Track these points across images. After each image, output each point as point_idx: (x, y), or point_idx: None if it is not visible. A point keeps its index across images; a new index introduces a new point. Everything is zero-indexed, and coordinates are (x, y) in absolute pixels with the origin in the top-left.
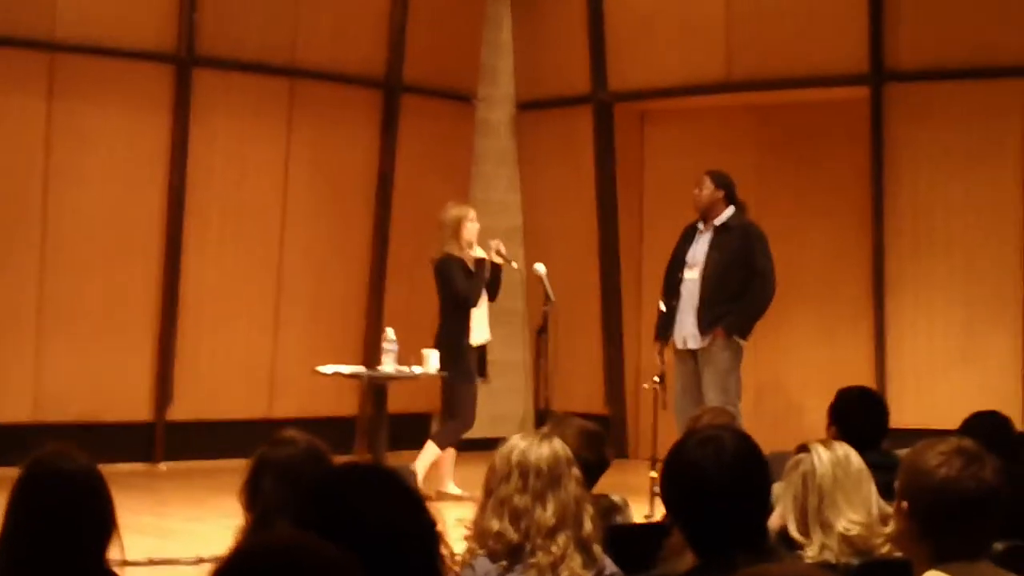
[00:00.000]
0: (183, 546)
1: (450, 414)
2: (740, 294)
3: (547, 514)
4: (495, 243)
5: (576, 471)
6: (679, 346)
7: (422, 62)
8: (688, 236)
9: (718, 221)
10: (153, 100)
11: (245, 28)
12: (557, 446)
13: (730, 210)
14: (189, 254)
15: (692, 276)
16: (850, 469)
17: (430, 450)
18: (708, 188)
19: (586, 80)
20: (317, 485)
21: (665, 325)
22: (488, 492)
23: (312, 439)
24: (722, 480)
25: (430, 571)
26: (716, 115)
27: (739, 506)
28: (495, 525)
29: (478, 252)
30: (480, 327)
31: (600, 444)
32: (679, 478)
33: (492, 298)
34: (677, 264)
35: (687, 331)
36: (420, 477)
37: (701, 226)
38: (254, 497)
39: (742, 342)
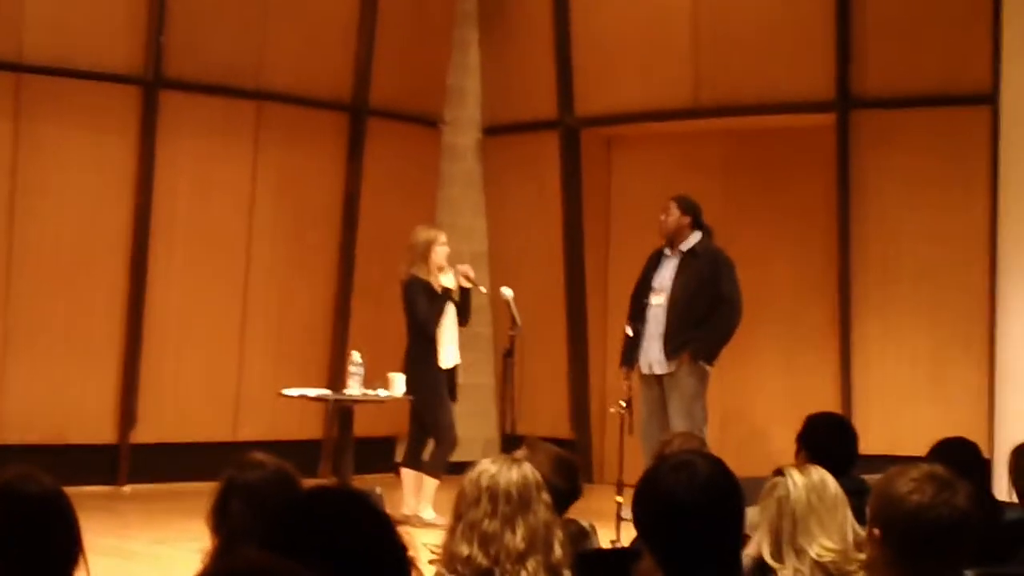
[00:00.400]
0: (147, 569)
1: (437, 439)
2: (706, 320)
3: (517, 539)
4: (463, 267)
5: (546, 496)
6: (645, 371)
7: (389, 85)
8: (654, 261)
9: (684, 246)
10: (120, 121)
11: (212, 50)
12: (527, 470)
13: (696, 235)
14: (154, 275)
15: (659, 301)
16: (825, 494)
17: (429, 484)
18: (674, 214)
19: (553, 105)
20: (287, 508)
21: (631, 350)
22: (457, 516)
23: (280, 462)
24: (696, 505)
25: None
26: (683, 141)
27: (713, 531)
28: (464, 550)
29: (447, 279)
30: (450, 350)
31: (572, 472)
32: (653, 503)
33: (463, 323)
34: (643, 289)
35: (653, 356)
36: (432, 517)
37: (668, 251)
38: (221, 520)
39: (708, 368)
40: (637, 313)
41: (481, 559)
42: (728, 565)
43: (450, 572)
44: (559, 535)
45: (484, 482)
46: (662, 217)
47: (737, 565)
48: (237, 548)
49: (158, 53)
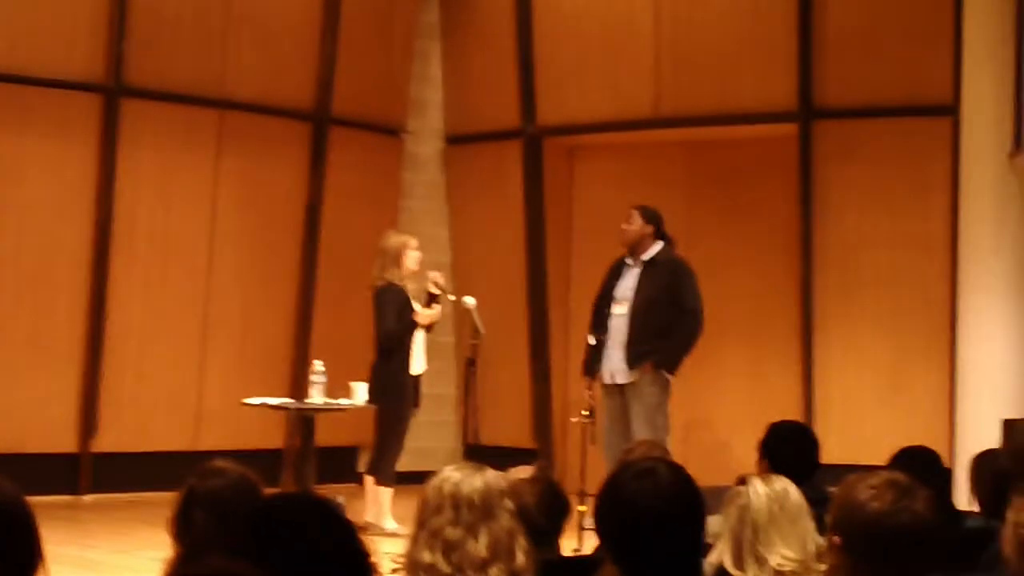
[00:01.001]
0: None
1: (382, 447)
2: (668, 330)
3: (479, 546)
4: (433, 275)
5: (508, 503)
6: (607, 381)
7: (351, 95)
8: (616, 271)
9: (646, 256)
10: (80, 129)
11: (174, 58)
12: (490, 477)
13: (658, 245)
14: (115, 284)
15: (620, 311)
16: (787, 504)
17: (385, 494)
18: (637, 223)
19: (515, 115)
20: (250, 515)
21: (594, 359)
22: (420, 524)
23: (243, 470)
24: (658, 512)
25: None
26: (645, 151)
27: (674, 538)
28: (427, 557)
29: (408, 283)
30: (417, 357)
31: (555, 511)
32: (615, 511)
33: (429, 329)
34: (605, 299)
35: (615, 366)
36: (394, 527)
37: (629, 260)
38: (183, 528)
39: (670, 377)
40: (599, 322)
41: (444, 566)
42: (689, 572)
43: None
44: (522, 542)
45: (447, 489)
46: (624, 226)
47: (698, 572)
48: (199, 556)
49: (119, 60)
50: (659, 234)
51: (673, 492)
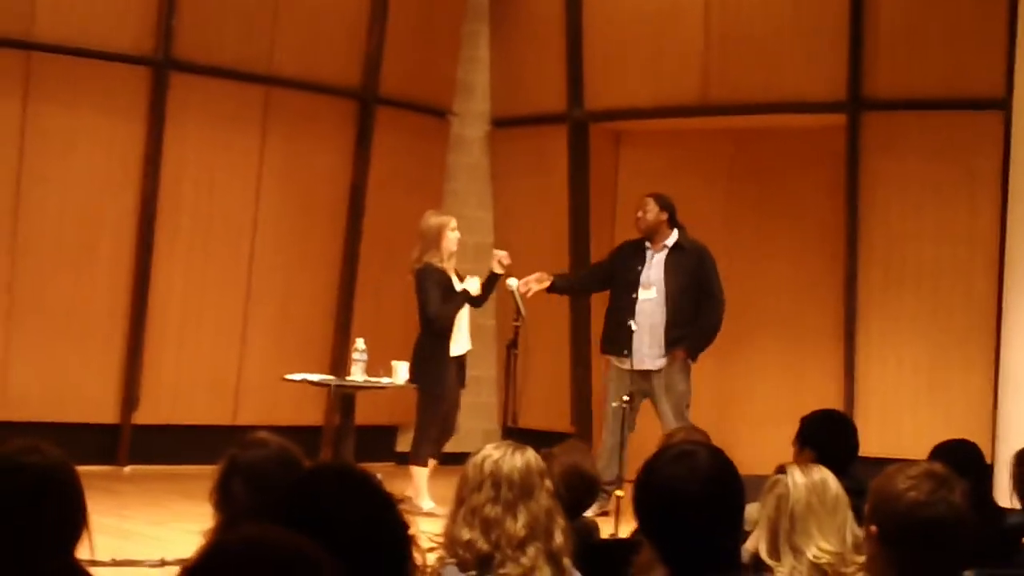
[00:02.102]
0: (144, 549)
1: (416, 429)
2: (695, 316)
3: (518, 525)
4: (500, 253)
5: (548, 483)
6: (635, 366)
7: (398, 75)
8: (629, 254)
9: (668, 242)
10: (128, 103)
11: (223, 34)
12: (530, 457)
13: (675, 232)
14: (159, 259)
15: (649, 296)
16: (826, 496)
17: (419, 473)
18: (652, 210)
19: (562, 99)
20: (289, 486)
21: (622, 343)
22: (459, 501)
23: (284, 442)
24: (696, 496)
25: (402, 573)
26: (691, 138)
27: (713, 523)
28: (465, 534)
29: (471, 283)
30: (461, 337)
31: (583, 488)
32: (652, 493)
33: (478, 305)
34: (630, 284)
35: (644, 351)
36: (431, 506)
37: (649, 246)
38: (223, 499)
39: (692, 364)
40: (628, 307)
41: (482, 544)
42: (727, 558)
43: (451, 556)
44: (560, 523)
45: (487, 467)
46: (639, 214)
47: (736, 558)
48: (238, 525)
49: (168, 35)
50: (673, 221)
51: (711, 476)
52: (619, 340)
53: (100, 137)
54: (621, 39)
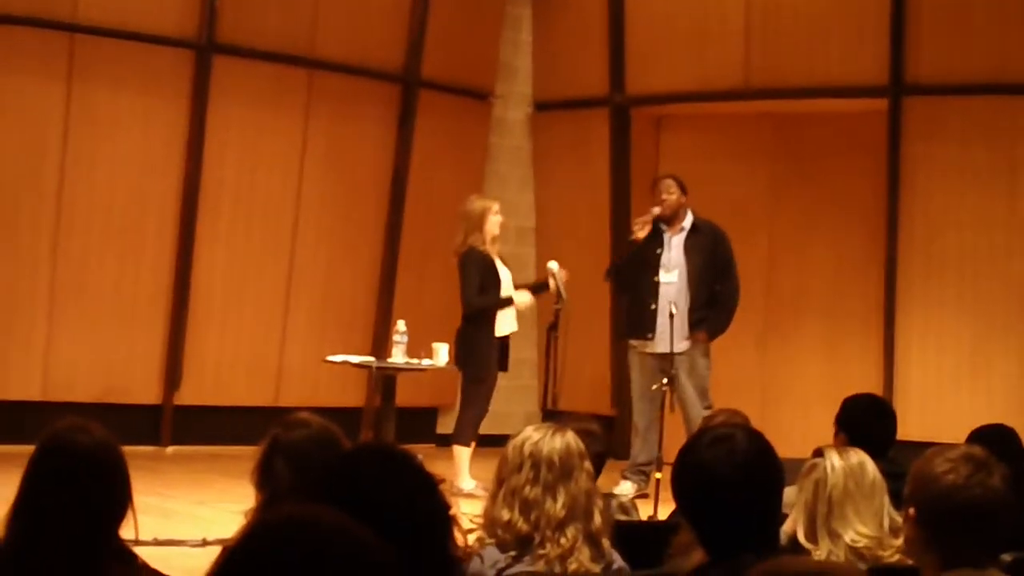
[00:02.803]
0: (186, 528)
1: (462, 407)
2: (714, 297)
3: (557, 506)
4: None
5: (588, 465)
6: (657, 350)
7: (441, 58)
8: (648, 237)
9: (685, 224)
10: (172, 85)
11: (265, 16)
12: (570, 439)
13: (690, 214)
14: (201, 240)
15: (670, 279)
16: (863, 480)
17: (462, 453)
18: (676, 192)
19: (604, 83)
20: (331, 465)
21: (645, 326)
22: (499, 482)
23: (326, 423)
24: (734, 479)
25: (443, 553)
26: (732, 122)
27: (750, 505)
28: (505, 515)
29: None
30: (507, 318)
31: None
32: (691, 475)
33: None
34: (651, 268)
35: (666, 335)
36: (471, 486)
37: (665, 228)
38: (265, 478)
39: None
40: (651, 290)
41: (522, 525)
42: (766, 540)
43: (491, 536)
44: (599, 504)
45: (527, 449)
46: (663, 196)
47: (775, 541)
48: (280, 503)
49: (212, 17)
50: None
51: (749, 459)
52: (643, 324)
53: (143, 120)
54: (663, 23)
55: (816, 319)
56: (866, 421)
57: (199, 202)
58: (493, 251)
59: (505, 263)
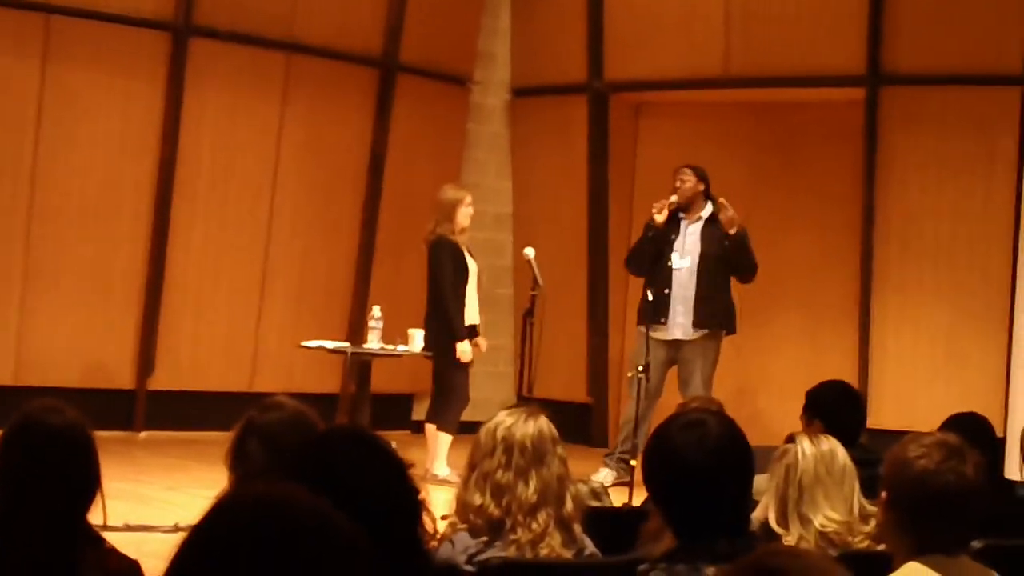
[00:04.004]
0: (159, 514)
1: (445, 396)
2: (728, 287)
3: (529, 491)
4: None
5: (561, 450)
6: (667, 336)
7: (420, 43)
8: (669, 222)
9: (704, 213)
10: (148, 67)
11: (244, 0)
12: (543, 424)
13: (710, 204)
14: (177, 224)
15: (683, 266)
16: (834, 466)
17: (443, 440)
18: (690, 180)
19: (583, 69)
20: (301, 448)
21: (658, 312)
22: (472, 467)
23: (301, 406)
24: (705, 464)
25: (411, 536)
26: (711, 110)
27: (721, 491)
28: (477, 499)
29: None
30: (471, 310)
31: None
32: (662, 460)
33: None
34: (665, 253)
35: (679, 320)
36: (446, 473)
37: (683, 216)
38: (238, 459)
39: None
40: (664, 276)
41: (493, 509)
42: (735, 526)
43: (463, 522)
44: (571, 489)
45: (500, 433)
46: (677, 183)
47: (744, 526)
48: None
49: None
50: (707, 193)
51: (720, 444)
52: (655, 310)
53: (119, 102)
54: (642, 10)
55: (793, 308)
56: (834, 408)
57: (175, 185)
58: (463, 241)
59: (472, 255)
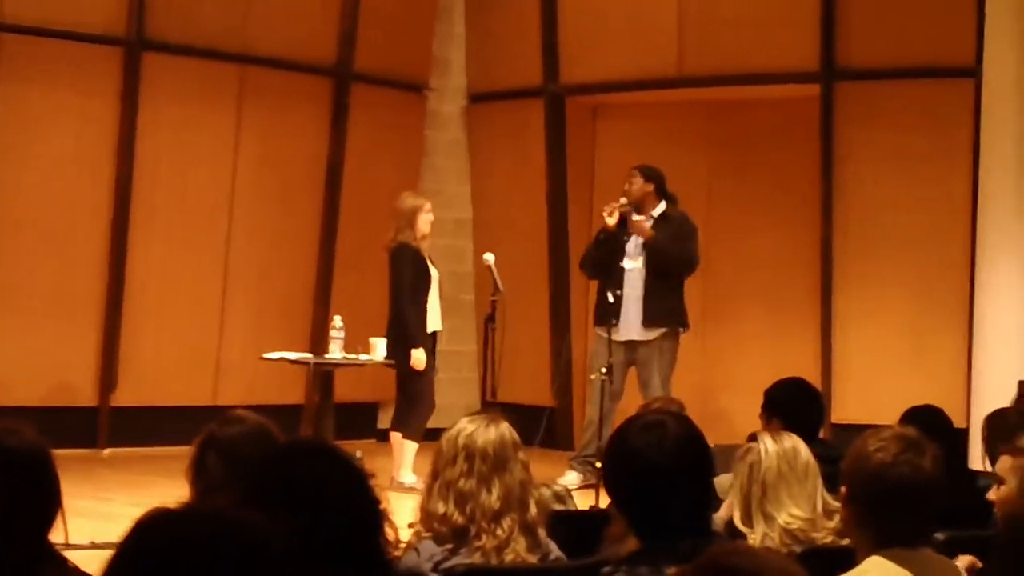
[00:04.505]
0: (124, 532)
1: (410, 403)
2: (678, 285)
3: (492, 498)
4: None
5: (522, 455)
6: (622, 337)
7: (374, 51)
8: (620, 225)
9: (655, 212)
10: (102, 83)
11: (196, 12)
12: (504, 430)
13: (663, 203)
14: (136, 239)
15: (635, 266)
16: (796, 463)
17: (409, 448)
18: (637, 182)
19: (538, 73)
20: (258, 462)
21: (612, 313)
22: (434, 475)
23: (262, 420)
24: (664, 465)
25: (373, 547)
26: (667, 110)
27: (680, 492)
28: (440, 508)
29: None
30: (433, 316)
31: None
32: (621, 462)
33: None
34: (617, 254)
35: (631, 321)
36: (412, 480)
37: (636, 217)
38: (199, 474)
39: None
40: (616, 278)
41: (457, 517)
42: (698, 526)
43: (427, 530)
44: (534, 494)
45: (461, 441)
46: (626, 186)
47: (707, 527)
48: (211, 501)
49: (141, 14)
50: (661, 192)
51: (679, 445)
52: (610, 311)
53: (74, 118)
54: (596, 12)
55: (756, 304)
56: (792, 406)
57: (132, 200)
58: (424, 248)
59: (433, 262)
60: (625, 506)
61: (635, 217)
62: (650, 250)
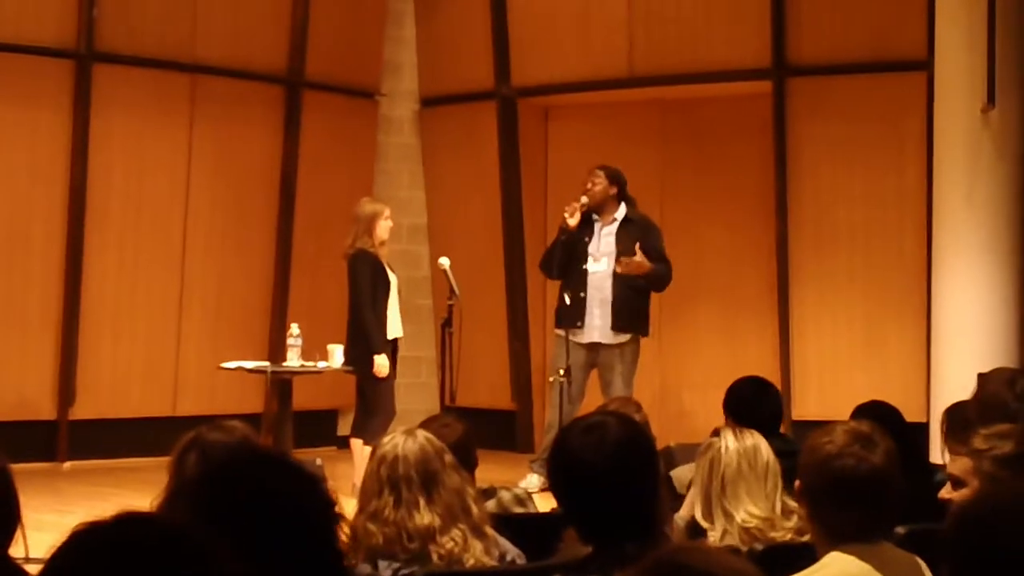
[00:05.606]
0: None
1: (369, 410)
2: (645, 288)
3: (431, 517)
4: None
5: (449, 458)
6: (584, 340)
7: (324, 58)
8: (580, 226)
9: (618, 215)
10: (53, 96)
11: (144, 23)
12: (423, 441)
13: (623, 207)
14: (91, 251)
15: (599, 269)
16: (757, 461)
17: (368, 454)
18: (601, 183)
19: (490, 76)
20: (209, 469)
21: (574, 315)
22: (361, 511)
23: (249, 434)
24: (605, 467)
25: (328, 548)
26: (619, 110)
27: (623, 494)
28: (381, 540)
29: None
30: (394, 323)
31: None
32: (563, 467)
33: None
34: (579, 255)
35: (596, 324)
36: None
37: (597, 218)
38: (177, 469)
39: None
40: (579, 280)
41: (405, 542)
42: (644, 528)
43: (379, 556)
44: (471, 493)
45: (383, 472)
46: (588, 185)
47: (657, 529)
48: (180, 500)
49: (90, 26)
50: (622, 195)
51: (619, 447)
52: (572, 313)
53: (26, 131)
54: (546, 14)
55: (712, 302)
56: (750, 403)
57: (87, 212)
58: (382, 254)
59: (392, 268)
60: (569, 509)
61: (624, 260)
62: (648, 280)
